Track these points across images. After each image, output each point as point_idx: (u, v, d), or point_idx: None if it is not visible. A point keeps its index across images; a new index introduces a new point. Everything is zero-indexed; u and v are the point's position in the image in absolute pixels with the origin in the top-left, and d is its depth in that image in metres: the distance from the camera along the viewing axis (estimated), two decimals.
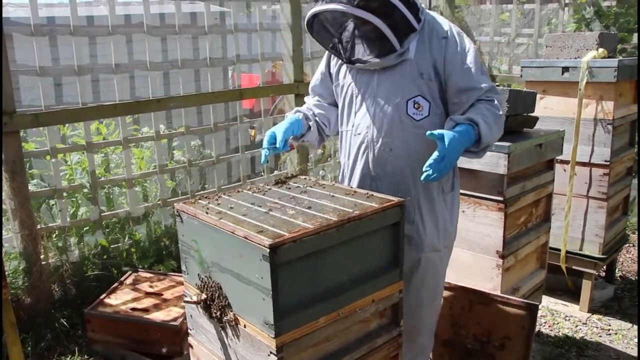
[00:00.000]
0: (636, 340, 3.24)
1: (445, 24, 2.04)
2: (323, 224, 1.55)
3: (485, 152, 2.04)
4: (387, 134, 2.05)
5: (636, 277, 4.01)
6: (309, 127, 2.20)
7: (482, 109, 1.96)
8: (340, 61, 2.15)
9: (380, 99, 2.05)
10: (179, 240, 1.85)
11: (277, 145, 2.01)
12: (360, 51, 2.01)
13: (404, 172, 2.06)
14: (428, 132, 1.82)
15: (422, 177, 1.81)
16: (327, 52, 2.18)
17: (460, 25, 5.24)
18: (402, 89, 2.02)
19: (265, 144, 2.02)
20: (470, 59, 1.99)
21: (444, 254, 2.19)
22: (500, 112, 2.01)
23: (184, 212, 1.78)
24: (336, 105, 2.26)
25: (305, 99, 2.39)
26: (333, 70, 2.23)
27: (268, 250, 1.42)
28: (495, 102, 2.00)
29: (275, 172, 4.78)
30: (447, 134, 1.83)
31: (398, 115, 2.03)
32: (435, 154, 1.80)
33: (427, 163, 1.80)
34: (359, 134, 2.11)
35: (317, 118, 2.25)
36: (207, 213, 1.69)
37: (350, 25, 2.00)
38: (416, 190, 2.07)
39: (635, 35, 4.95)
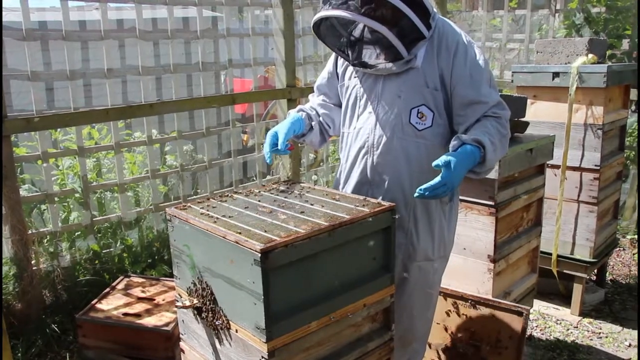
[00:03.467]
0: (626, 343, 3.26)
1: (456, 31, 1.98)
2: (314, 229, 1.55)
3: (487, 174, 1.99)
4: (388, 141, 2.01)
5: (627, 281, 4.04)
6: (311, 127, 2.17)
7: (488, 126, 1.90)
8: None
9: (384, 104, 2.01)
10: (170, 245, 1.85)
11: (279, 147, 1.98)
12: (367, 55, 1.97)
13: (402, 180, 2.02)
14: (434, 164, 1.78)
15: (416, 195, 1.78)
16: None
17: None
18: (406, 97, 1.97)
19: (267, 146, 1.99)
20: (478, 71, 1.93)
21: (438, 264, 2.14)
22: (506, 132, 1.96)
23: (175, 216, 1.78)
24: (341, 106, 2.22)
25: (310, 96, 2.35)
26: (340, 69, 2.19)
27: (259, 255, 1.42)
28: (502, 119, 1.94)
29: (268, 177, 4.79)
30: (453, 160, 1.77)
31: (400, 123, 1.99)
32: (438, 179, 1.76)
33: (425, 186, 1.76)
34: (360, 137, 2.07)
35: (320, 118, 2.21)
36: (198, 218, 1.69)
37: (358, 30, 1.97)
38: (413, 199, 2.01)
39: (624, 41, 5.01)
